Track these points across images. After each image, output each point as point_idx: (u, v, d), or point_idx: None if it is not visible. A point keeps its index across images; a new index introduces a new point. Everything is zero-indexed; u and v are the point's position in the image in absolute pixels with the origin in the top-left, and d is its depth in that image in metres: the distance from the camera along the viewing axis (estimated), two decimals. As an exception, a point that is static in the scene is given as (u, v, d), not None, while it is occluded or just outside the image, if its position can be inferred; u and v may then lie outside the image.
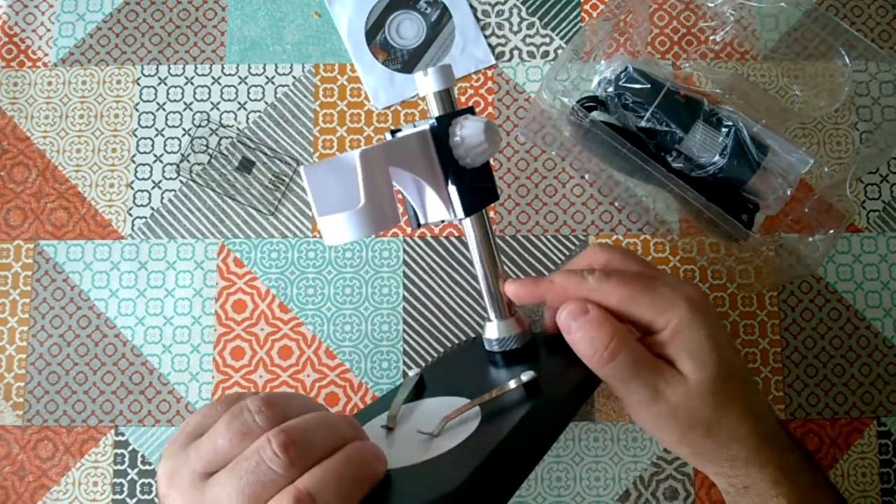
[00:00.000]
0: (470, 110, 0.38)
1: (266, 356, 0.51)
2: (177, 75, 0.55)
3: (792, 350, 0.51)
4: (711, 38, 0.53)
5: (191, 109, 0.54)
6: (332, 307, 0.52)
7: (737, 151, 0.45)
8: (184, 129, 0.54)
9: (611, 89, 0.47)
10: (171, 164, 0.54)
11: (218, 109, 0.54)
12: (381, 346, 0.51)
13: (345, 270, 0.52)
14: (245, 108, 0.54)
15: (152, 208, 0.53)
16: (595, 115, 0.46)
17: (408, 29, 0.55)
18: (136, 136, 0.54)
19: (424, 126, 0.37)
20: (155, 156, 0.54)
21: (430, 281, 0.52)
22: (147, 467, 0.50)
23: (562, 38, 0.55)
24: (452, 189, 0.37)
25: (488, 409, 0.35)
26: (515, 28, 0.55)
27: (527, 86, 0.54)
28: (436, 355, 0.51)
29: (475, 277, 0.52)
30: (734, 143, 0.45)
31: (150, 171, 0.54)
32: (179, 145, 0.54)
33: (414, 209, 0.38)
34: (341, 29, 0.55)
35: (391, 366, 0.51)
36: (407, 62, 0.55)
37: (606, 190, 0.53)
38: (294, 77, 0.55)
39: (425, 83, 0.37)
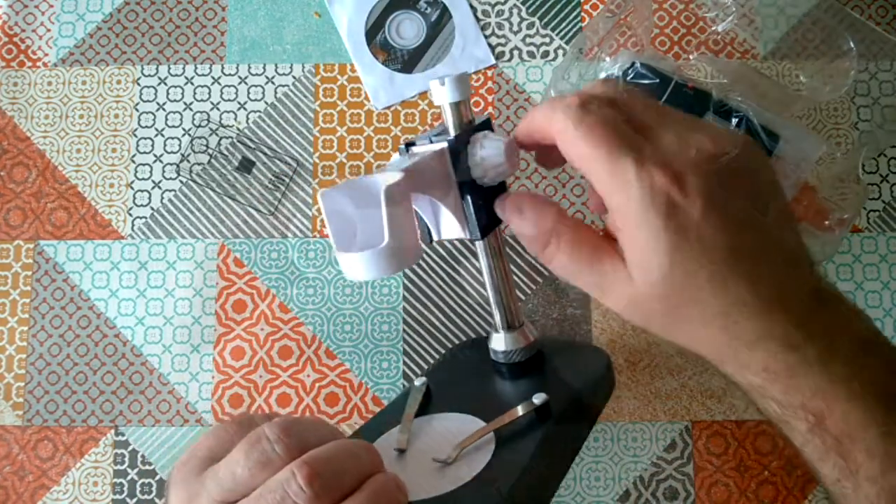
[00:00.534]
0: (486, 124, 0.37)
1: (266, 356, 0.51)
2: (177, 75, 0.55)
3: (792, 350, 0.51)
4: (713, 28, 0.53)
5: (191, 109, 0.54)
6: (332, 307, 0.52)
7: None
8: (184, 129, 0.54)
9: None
10: (171, 164, 0.54)
11: (218, 109, 0.54)
12: (381, 346, 0.51)
13: (345, 270, 0.52)
14: (245, 108, 0.54)
15: (152, 208, 0.53)
16: None
17: (408, 29, 0.55)
18: (136, 136, 0.54)
19: (442, 144, 0.35)
20: (155, 156, 0.54)
21: (430, 281, 0.52)
22: (147, 467, 0.50)
23: (562, 38, 0.55)
24: (469, 208, 0.36)
25: (501, 433, 0.35)
26: (515, 28, 0.55)
27: (527, 86, 0.54)
28: (437, 356, 0.51)
29: (475, 277, 0.52)
30: (745, 132, 0.45)
31: (150, 171, 0.54)
32: (179, 145, 0.54)
33: (427, 225, 0.37)
34: (341, 29, 0.55)
35: (391, 366, 0.51)
36: (407, 62, 0.55)
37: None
38: (294, 77, 0.55)
39: (441, 93, 0.36)
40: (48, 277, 0.52)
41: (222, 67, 0.55)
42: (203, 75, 0.55)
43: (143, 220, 0.53)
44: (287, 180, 0.53)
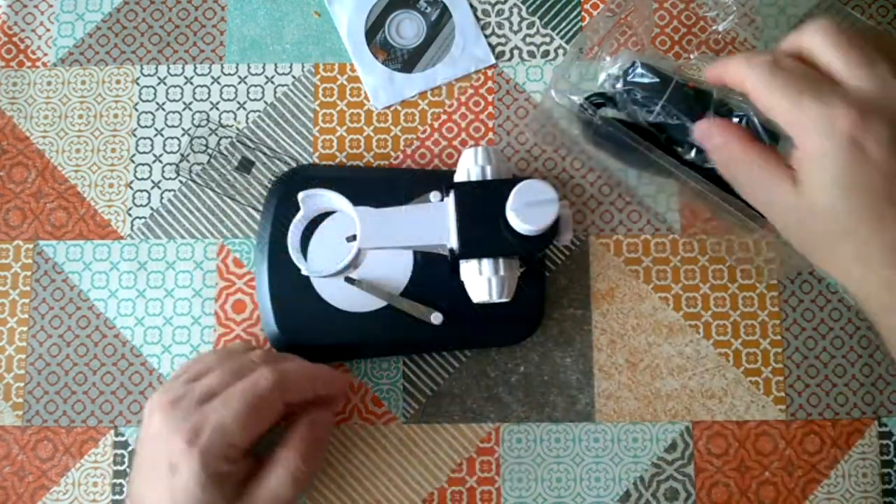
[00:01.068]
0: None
1: (266, 356, 0.51)
2: (176, 75, 0.55)
3: (793, 350, 0.51)
4: (713, 28, 0.53)
5: (190, 109, 0.54)
6: (332, 307, 0.52)
7: None
8: (183, 129, 0.54)
9: (619, 85, 0.47)
10: (171, 164, 0.54)
11: (217, 109, 0.54)
12: (381, 346, 0.51)
13: (344, 270, 0.52)
14: (245, 108, 0.54)
15: (152, 208, 0.53)
16: (604, 111, 0.46)
17: (408, 28, 0.55)
18: (135, 135, 0.54)
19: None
20: (154, 156, 0.54)
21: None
22: (147, 468, 0.50)
23: (562, 38, 0.55)
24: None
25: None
26: (515, 27, 0.55)
27: (527, 85, 0.54)
28: (437, 357, 0.51)
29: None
30: None
31: (150, 171, 0.54)
32: (179, 145, 0.54)
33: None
34: (341, 28, 0.55)
35: (391, 366, 0.51)
36: (407, 62, 0.55)
37: (616, 187, 0.53)
38: (294, 77, 0.55)
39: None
40: (48, 277, 0.52)
41: (222, 67, 0.55)
42: (202, 75, 0.55)
43: (143, 220, 0.53)
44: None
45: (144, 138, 0.54)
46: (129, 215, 0.53)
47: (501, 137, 0.54)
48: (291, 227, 0.43)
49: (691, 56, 0.54)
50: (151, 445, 0.41)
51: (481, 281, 0.42)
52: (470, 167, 0.43)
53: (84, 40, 0.55)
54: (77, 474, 0.50)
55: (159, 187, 0.53)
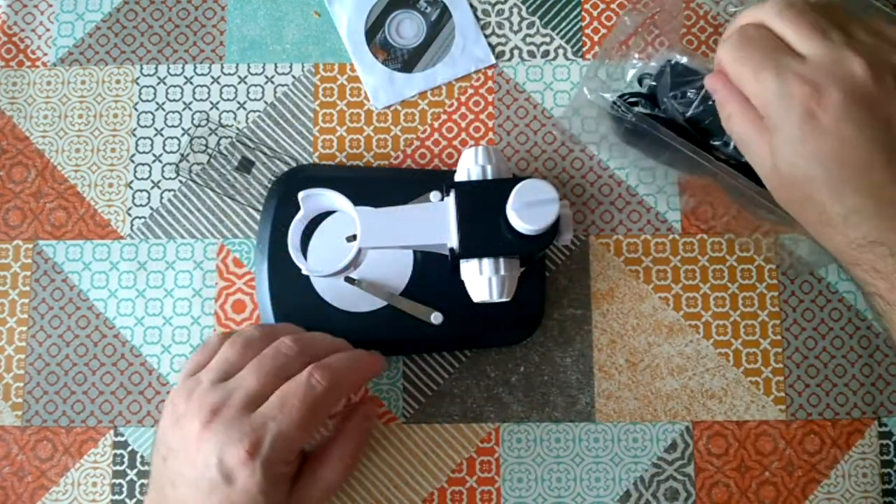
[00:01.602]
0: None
1: (265, 356, 0.51)
2: (176, 75, 0.55)
3: (793, 350, 0.51)
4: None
5: (190, 109, 0.54)
6: (332, 307, 0.52)
7: None
8: (183, 129, 0.54)
9: (653, 82, 0.46)
10: (171, 164, 0.54)
11: (217, 109, 0.54)
12: (381, 346, 0.51)
13: (344, 270, 0.52)
14: (245, 108, 0.54)
15: (151, 208, 0.53)
16: (638, 109, 0.46)
17: (408, 28, 0.55)
18: (135, 135, 0.54)
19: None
20: (154, 155, 0.54)
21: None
22: (146, 468, 0.50)
23: (562, 38, 0.55)
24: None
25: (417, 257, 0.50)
26: (516, 27, 0.55)
27: (527, 85, 0.54)
28: (437, 357, 0.51)
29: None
30: None
31: (150, 171, 0.54)
32: (179, 145, 0.54)
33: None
34: (341, 28, 0.55)
35: (391, 366, 0.51)
36: (407, 62, 0.55)
37: (644, 182, 0.53)
38: (294, 77, 0.55)
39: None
40: (47, 277, 0.52)
41: (222, 67, 0.55)
42: (202, 75, 0.55)
43: (143, 220, 0.53)
44: (287, 180, 0.53)
45: (144, 138, 0.54)
46: (129, 215, 0.53)
47: (501, 137, 0.54)
48: (291, 227, 0.43)
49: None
50: (193, 458, 0.39)
51: (481, 281, 0.42)
52: (470, 167, 0.43)
53: (84, 40, 0.55)
54: (76, 474, 0.50)
55: (159, 187, 0.53)
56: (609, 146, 0.53)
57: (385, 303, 0.49)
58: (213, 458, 0.38)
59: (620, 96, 0.46)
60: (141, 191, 0.53)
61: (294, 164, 0.53)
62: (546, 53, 0.55)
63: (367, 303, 0.49)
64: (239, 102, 0.54)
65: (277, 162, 0.53)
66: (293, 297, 0.50)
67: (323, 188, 0.42)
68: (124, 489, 0.50)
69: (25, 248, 0.53)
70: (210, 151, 0.54)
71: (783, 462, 0.50)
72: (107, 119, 0.54)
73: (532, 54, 0.55)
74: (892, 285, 0.34)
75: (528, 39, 0.55)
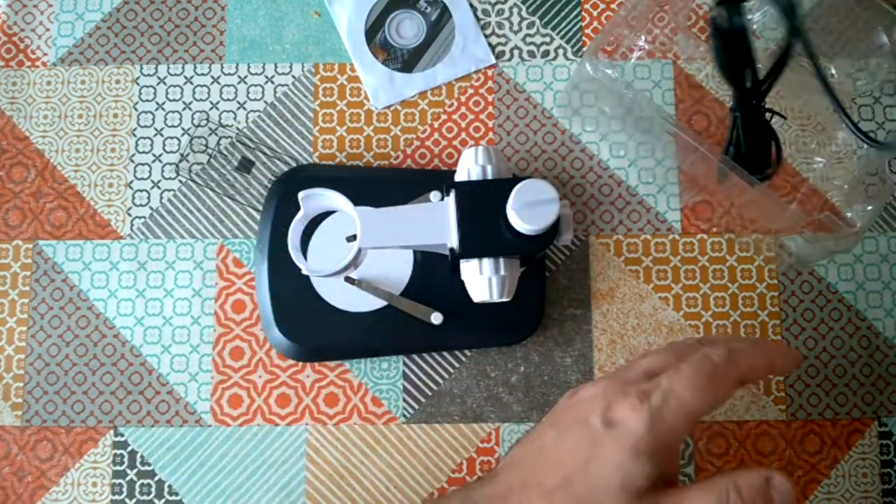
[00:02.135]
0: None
1: (265, 356, 0.51)
2: (176, 75, 0.55)
3: (793, 350, 0.51)
4: (748, 17, 0.53)
5: (190, 109, 0.54)
6: (332, 307, 0.52)
7: None
8: (183, 129, 0.54)
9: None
10: (171, 164, 0.54)
11: (217, 109, 0.54)
12: (381, 346, 0.51)
13: (344, 270, 0.52)
14: (245, 108, 0.54)
15: (151, 208, 0.53)
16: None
17: (408, 28, 0.55)
18: (135, 135, 0.54)
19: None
20: (154, 155, 0.54)
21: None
22: (146, 468, 0.50)
23: (562, 38, 0.55)
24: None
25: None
26: (516, 27, 0.55)
27: (527, 85, 0.54)
28: (437, 357, 0.51)
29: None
30: None
31: (150, 171, 0.54)
32: (179, 145, 0.54)
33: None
34: (341, 28, 0.55)
35: (391, 366, 0.51)
36: (407, 62, 0.55)
37: (644, 182, 0.53)
38: (294, 77, 0.55)
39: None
40: (47, 277, 0.52)
41: (222, 67, 0.55)
42: (202, 75, 0.55)
43: (143, 219, 0.53)
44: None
45: (144, 138, 0.54)
46: (129, 215, 0.53)
47: (501, 137, 0.54)
48: (291, 227, 0.43)
49: None
50: (581, 406, 0.37)
51: (482, 281, 0.42)
52: (470, 167, 0.43)
53: (84, 40, 0.55)
54: (76, 474, 0.50)
55: (159, 187, 0.53)
56: (608, 120, 0.53)
57: (385, 303, 0.49)
58: (598, 404, 0.35)
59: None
60: (141, 191, 0.53)
61: (294, 164, 0.53)
62: (546, 53, 0.55)
63: (367, 303, 0.49)
64: (239, 102, 0.54)
65: (277, 162, 0.53)
66: (293, 297, 0.50)
67: (323, 188, 0.42)
68: (124, 489, 0.50)
69: (25, 248, 0.53)
70: (210, 151, 0.54)
71: (783, 462, 0.50)
72: (107, 119, 0.54)
73: (532, 54, 0.55)
74: None
75: (528, 39, 0.55)
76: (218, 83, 0.55)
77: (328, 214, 0.49)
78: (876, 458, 0.50)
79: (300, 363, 0.51)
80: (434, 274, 0.49)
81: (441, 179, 0.49)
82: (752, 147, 0.42)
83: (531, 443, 0.38)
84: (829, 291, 0.52)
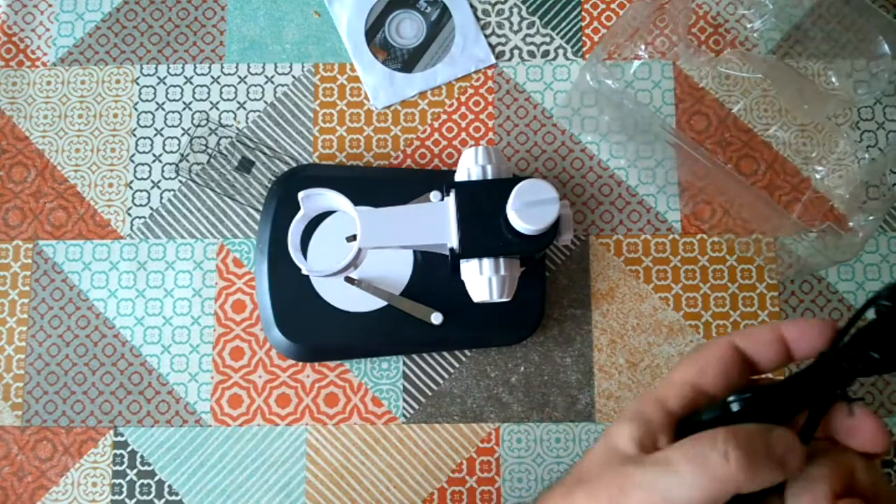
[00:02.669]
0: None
1: (265, 356, 0.51)
2: (176, 75, 0.55)
3: (793, 350, 0.51)
4: (749, 25, 0.53)
5: (190, 109, 0.54)
6: (332, 307, 0.52)
7: None
8: (183, 129, 0.54)
9: None
10: (171, 164, 0.54)
11: (217, 109, 0.54)
12: (381, 346, 0.51)
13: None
14: (244, 108, 0.54)
15: (151, 208, 0.53)
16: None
17: (408, 28, 0.55)
18: (135, 135, 0.54)
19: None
20: (154, 155, 0.54)
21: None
22: (146, 468, 0.50)
23: (562, 38, 0.55)
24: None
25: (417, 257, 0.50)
26: (516, 27, 0.55)
27: (527, 85, 0.54)
28: (437, 357, 0.51)
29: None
30: None
31: (150, 171, 0.54)
32: (178, 145, 0.54)
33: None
34: (341, 28, 0.55)
35: (391, 366, 0.51)
36: (407, 62, 0.55)
37: (644, 182, 0.53)
38: (294, 76, 0.55)
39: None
40: (47, 277, 0.52)
41: (222, 67, 0.55)
42: (202, 75, 0.55)
43: (143, 219, 0.53)
44: (287, 180, 0.53)
45: (144, 138, 0.54)
46: (129, 215, 0.53)
47: (501, 137, 0.54)
48: (291, 227, 0.43)
49: (725, 52, 0.54)
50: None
51: (482, 281, 0.42)
52: (470, 167, 0.43)
53: (84, 40, 0.55)
54: (76, 474, 0.50)
55: (159, 187, 0.53)
56: (608, 124, 0.53)
57: (385, 303, 0.49)
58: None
59: None
60: (141, 191, 0.53)
61: (294, 164, 0.53)
62: (546, 53, 0.55)
63: (367, 303, 0.49)
64: (239, 102, 0.54)
65: (277, 162, 0.53)
66: (293, 297, 0.50)
67: (323, 188, 0.42)
68: (124, 489, 0.50)
69: (25, 248, 0.53)
70: (210, 151, 0.54)
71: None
72: (107, 119, 0.54)
73: (532, 54, 0.55)
74: None
75: (528, 39, 0.55)
76: (218, 83, 0.55)
77: (328, 214, 0.49)
78: (876, 458, 0.50)
79: (300, 363, 0.51)
80: (434, 274, 0.49)
81: (441, 179, 0.49)
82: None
83: None
84: (829, 291, 0.52)
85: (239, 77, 0.55)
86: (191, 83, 0.55)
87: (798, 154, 0.52)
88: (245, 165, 0.53)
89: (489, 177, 0.43)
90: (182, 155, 0.54)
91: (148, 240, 0.53)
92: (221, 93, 0.54)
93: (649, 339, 0.51)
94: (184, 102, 0.54)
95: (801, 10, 0.54)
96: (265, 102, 0.54)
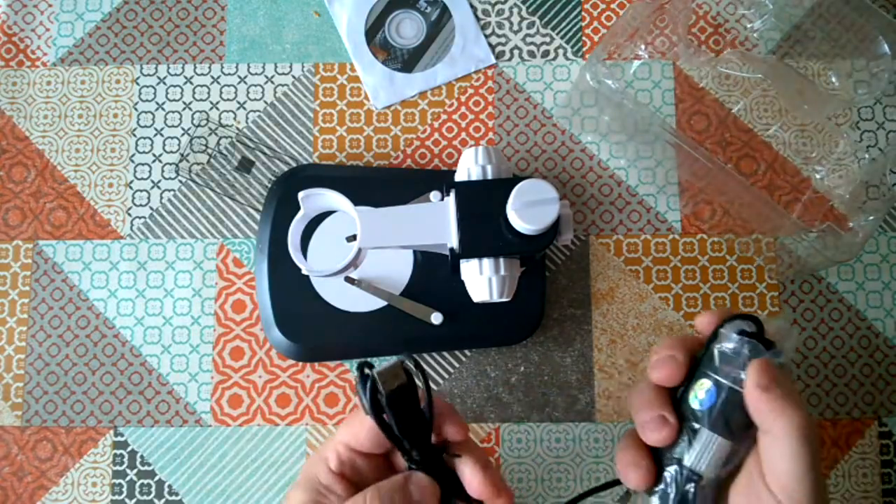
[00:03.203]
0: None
1: (265, 356, 0.51)
2: (176, 75, 0.55)
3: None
4: (749, 25, 0.53)
5: (190, 109, 0.54)
6: (332, 307, 0.52)
7: None
8: (183, 129, 0.54)
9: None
10: (171, 164, 0.54)
11: (217, 109, 0.54)
12: (381, 346, 0.51)
13: (344, 270, 0.52)
14: (244, 108, 0.54)
15: (151, 208, 0.53)
16: None
17: (408, 28, 0.55)
18: (135, 135, 0.54)
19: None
20: (154, 155, 0.54)
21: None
22: (146, 468, 0.50)
23: (562, 38, 0.55)
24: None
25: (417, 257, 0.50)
26: (516, 27, 0.55)
27: (527, 85, 0.54)
28: (437, 356, 0.51)
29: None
30: None
31: (150, 171, 0.54)
32: (178, 145, 0.54)
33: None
34: (341, 28, 0.55)
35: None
36: (407, 61, 0.55)
37: (644, 182, 0.53)
38: (294, 76, 0.55)
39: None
40: (47, 277, 0.52)
41: (222, 67, 0.55)
42: (202, 75, 0.55)
43: (143, 219, 0.53)
44: (287, 180, 0.53)
45: (144, 138, 0.54)
46: (129, 215, 0.53)
47: (501, 137, 0.54)
48: (291, 227, 0.43)
49: (724, 52, 0.54)
50: None
51: (482, 281, 0.42)
52: (470, 167, 0.43)
53: (84, 40, 0.55)
54: (76, 474, 0.50)
55: (159, 187, 0.53)
56: (608, 124, 0.53)
57: (385, 303, 0.49)
58: None
59: None
60: (141, 191, 0.53)
61: (294, 164, 0.53)
62: (546, 53, 0.55)
63: (367, 303, 0.49)
64: (239, 102, 0.54)
65: (277, 162, 0.53)
66: (293, 297, 0.50)
67: (323, 188, 0.42)
68: (124, 489, 0.50)
69: (25, 248, 0.53)
70: (210, 151, 0.54)
71: (783, 462, 0.50)
72: (107, 119, 0.54)
73: (532, 54, 0.55)
74: None
75: (528, 39, 0.55)
76: (218, 83, 0.55)
77: (328, 214, 0.49)
78: (876, 458, 0.50)
79: (300, 363, 0.51)
80: (434, 274, 0.49)
81: (441, 179, 0.49)
82: None
83: None
84: (829, 291, 0.52)
85: (239, 77, 0.55)
86: (191, 83, 0.55)
87: (798, 154, 0.52)
88: (245, 165, 0.53)
89: (489, 177, 0.43)
90: (182, 155, 0.54)
91: (148, 240, 0.53)
92: (221, 93, 0.54)
93: (649, 339, 0.51)
94: (184, 102, 0.54)
95: (801, 10, 0.54)
96: (265, 102, 0.54)
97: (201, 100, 0.54)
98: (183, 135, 0.54)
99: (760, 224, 0.50)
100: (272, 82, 0.55)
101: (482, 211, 0.41)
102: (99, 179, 0.54)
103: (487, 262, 0.42)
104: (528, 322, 0.50)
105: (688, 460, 0.34)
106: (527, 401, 0.50)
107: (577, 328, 0.51)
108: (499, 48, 0.55)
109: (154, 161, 0.54)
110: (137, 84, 0.55)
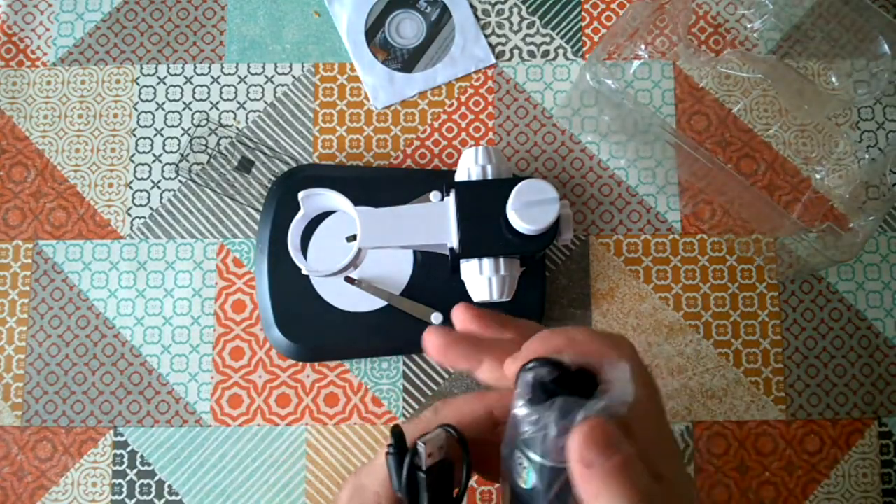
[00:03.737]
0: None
1: (265, 356, 0.51)
2: (176, 75, 0.55)
3: (793, 350, 0.51)
4: (749, 25, 0.53)
5: (190, 109, 0.54)
6: (332, 307, 0.52)
7: None
8: (183, 129, 0.54)
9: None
10: (171, 164, 0.54)
11: (217, 109, 0.54)
12: (381, 346, 0.51)
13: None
14: (244, 108, 0.54)
15: (151, 208, 0.53)
16: None
17: (408, 28, 0.55)
18: (135, 135, 0.54)
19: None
20: (154, 155, 0.54)
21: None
22: (146, 468, 0.50)
23: (562, 38, 0.55)
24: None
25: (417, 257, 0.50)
26: (516, 27, 0.55)
27: (527, 85, 0.54)
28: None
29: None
30: None
31: (150, 171, 0.54)
32: (178, 145, 0.54)
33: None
34: (341, 28, 0.55)
35: (391, 366, 0.51)
36: (407, 61, 0.55)
37: (644, 182, 0.53)
38: (293, 76, 0.55)
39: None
40: (47, 277, 0.52)
41: (222, 67, 0.55)
42: (202, 75, 0.55)
43: (143, 219, 0.53)
44: (287, 180, 0.53)
45: (144, 138, 0.54)
46: (129, 215, 0.53)
47: (501, 137, 0.54)
48: (291, 227, 0.43)
49: (724, 52, 0.54)
50: None
51: (482, 280, 0.42)
52: (470, 167, 0.43)
53: (84, 40, 0.55)
54: (76, 474, 0.50)
55: (159, 187, 0.53)
56: (608, 124, 0.53)
57: (385, 303, 0.49)
58: None
59: None
60: (141, 191, 0.53)
61: (294, 164, 0.53)
62: (546, 53, 0.55)
63: (367, 303, 0.49)
64: (239, 102, 0.54)
65: (277, 162, 0.53)
66: (293, 297, 0.50)
67: (323, 188, 0.42)
68: (124, 489, 0.50)
69: (25, 248, 0.53)
70: (210, 151, 0.54)
71: (783, 462, 0.50)
72: (107, 119, 0.54)
73: (532, 54, 0.55)
74: None
75: (528, 39, 0.55)
76: (218, 83, 0.55)
77: (328, 214, 0.49)
78: (876, 458, 0.50)
79: (300, 363, 0.51)
80: (434, 274, 0.49)
81: (441, 179, 0.49)
82: None
83: None
84: (829, 291, 0.52)
85: (239, 77, 0.55)
86: (191, 83, 0.55)
87: (798, 154, 0.52)
88: (245, 165, 0.53)
89: (489, 177, 0.43)
90: (182, 155, 0.54)
91: (148, 240, 0.53)
92: (221, 93, 0.54)
93: (649, 339, 0.51)
94: (184, 102, 0.54)
95: (801, 10, 0.54)
96: (265, 102, 0.54)
97: (201, 100, 0.54)
98: (183, 135, 0.54)
99: (760, 224, 0.50)
100: (272, 82, 0.55)
101: (482, 211, 0.41)
102: (99, 179, 0.54)
103: (487, 262, 0.42)
104: None
105: None
106: (527, 401, 0.50)
107: (577, 328, 0.51)
108: (499, 48, 0.55)
109: (154, 161, 0.54)
110: (137, 84, 0.55)
